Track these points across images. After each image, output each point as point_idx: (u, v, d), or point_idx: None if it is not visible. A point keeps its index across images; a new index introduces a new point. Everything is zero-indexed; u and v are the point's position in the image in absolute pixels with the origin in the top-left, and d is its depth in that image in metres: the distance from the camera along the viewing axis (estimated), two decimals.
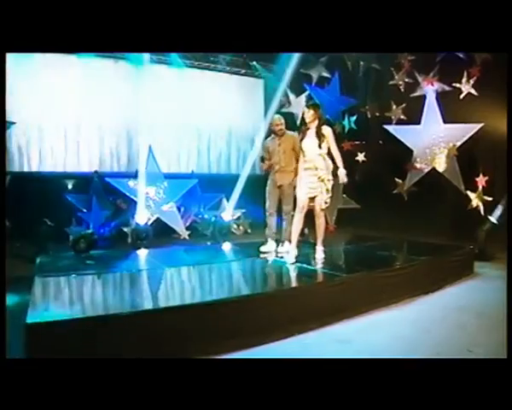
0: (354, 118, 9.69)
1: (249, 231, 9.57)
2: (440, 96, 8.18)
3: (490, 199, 7.43)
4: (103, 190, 8.25)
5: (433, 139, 8.22)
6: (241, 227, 9.58)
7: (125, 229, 8.11)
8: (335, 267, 5.10)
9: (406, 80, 8.74)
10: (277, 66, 10.12)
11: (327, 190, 5.13)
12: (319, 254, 5.36)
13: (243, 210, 9.48)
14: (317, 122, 5.16)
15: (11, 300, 3.99)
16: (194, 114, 9.72)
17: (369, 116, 9.57)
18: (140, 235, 7.85)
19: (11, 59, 7.56)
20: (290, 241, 5.34)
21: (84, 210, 8.04)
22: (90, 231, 7.07)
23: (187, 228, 8.88)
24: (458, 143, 7.95)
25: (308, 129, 5.20)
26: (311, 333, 3.78)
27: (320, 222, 5.35)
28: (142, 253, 6.39)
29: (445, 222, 7.57)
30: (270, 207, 5.80)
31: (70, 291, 4.21)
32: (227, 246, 6.86)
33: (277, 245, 5.85)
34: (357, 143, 9.67)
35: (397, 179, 8.87)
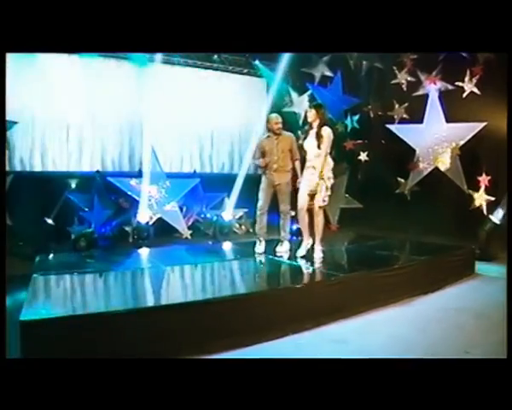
0: (357, 117, 9.66)
1: (251, 230, 9.55)
2: (443, 95, 8.14)
3: (493, 199, 7.39)
4: (105, 190, 8.26)
5: (435, 138, 8.19)
6: (243, 227, 9.57)
7: (127, 228, 8.12)
8: (333, 267, 5.08)
9: (409, 79, 8.70)
10: (280, 65, 10.15)
11: (326, 187, 5.17)
12: (317, 253, 5.34)
13: (245, 209, 9.46)
14: (318, 122, 5.21)
15: (12, 299, 4.00)
16: (196, 113, 9.71)
17: (371, 115, 9.53)
18: (141, 234, 7.86)
19: (14, 58, 7.62)
20: (302, 238, 5.51)
21: (86, 209, 8.04)
22: (90, 229, 7.08)
23: (189, 227, 8.88)
24: (461, 143, 7.92)
25: (311, 129, 5.28)
26: (306, 333, 3.78)
27: (318, 220, 5.35)
28: (142, 252, 6.41)
29: (447, 222, 7.53)
30: (263, 206, 5.76)
31: (66, 289, 4.24)
32: (227, 245, 6.85)
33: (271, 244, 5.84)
34: (359, 142, 9.65)
35: (399, 179, 8.84)
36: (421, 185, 8.58)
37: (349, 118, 9.76)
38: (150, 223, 8.27)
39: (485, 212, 7.38)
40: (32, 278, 4.19)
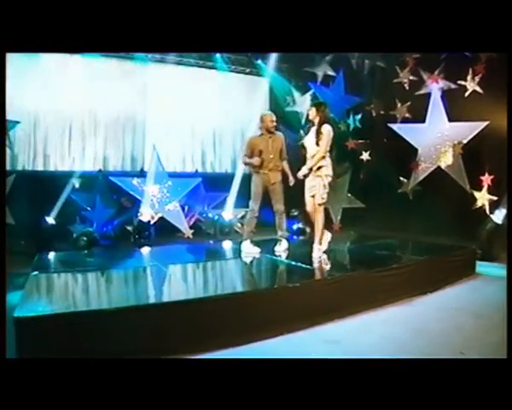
0: (359, 116, 9.66)
1: (254, 230, 9.52)
2: (445, 94, 8.10)
3: (495, 198, 7.35)
4: (107, 189, 8.29)
5: (437, 137, 8.15)
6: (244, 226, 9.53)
7: (129, 227, 8.13)
8: (331, 266, 5.08)
9: (411, 78, 8.68)
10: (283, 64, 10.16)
11: (324, 185, 5.17)
12: (316, 252, 5.32)
13: (248, 209, 9.43)
14: (318, 120, 5.22)
15: (14, 297, 4.01)
16: (198, 112, 9.73)
17: (373, 115, 9.51)
18: (142, 233, 7.88)
19: (16, 58, 7.66)
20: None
21: (88, 208, 8.06)
22: (90, 228, 7.10)
23: (191, 227, 8.89)
24: (463, 142, 7.87)
25: (312, 126, 5.31)
26: (300, 333, 3.75)
27: (318, 218, 5.34)
28: (141, 251, 6.43)
29: (449, 221, 7.47)
30: (257, 208, 5.74)
31: (61, 287, 4.26)
32: (227, 244, 6.85)
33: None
34: (361, 141, 9.63)
35: (401, 178, 8.81)
36: (424, 185, 8.54)
37: (351, 117, 9.76)
38: (152, 222, 8.28)
39: (487, 211, 7.34)
40: (30, 276, 4.21)
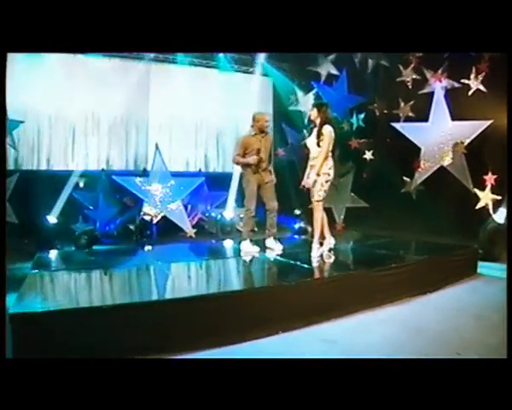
0: (362, 115, 9.61)
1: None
2: (448, 93, 8.04)
3: (499, 198, 7.30)
4: (110, 188, 8.31)
5: (441, 137, 8.07)
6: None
7: (131, 226, 8.15)
8: (328, 265, 5.10)
9: (414, 77, 8.61)
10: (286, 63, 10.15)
11: (321, 184, 5.25)
12: (315, 251, 5.36)
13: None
14: (319, 120, 5.32)
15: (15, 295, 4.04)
16: (202, 112, 9.74)
17: (377, 114, 9.46)
18: (144, 232, 7.90)
19: (21, 58, 7.71)
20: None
21: (91, 207, 8.09)
22: (91, 227, 7.13)
23: (194, 226, 8.90)
24: (467, 141, 7.81)
25: (314, 127, 5.41)
26: (296, 332, 3.74)
27: (316, 216, 5.40)
28: (142, 249, 6.45)
29: (452, 221, 7.44)
30: (253, 206, 5.75)
31: (58, 285, 4.27)
32: (228, 243, 6.86)
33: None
34: (364, 140, 9.60)
35: (405, 178, 8.77)
36: (427, 184, 8.47)
37: (355, 116, 9.71)
38: (154, 221, 8.30)
39: (491, 211, 7.29)
40: (28, 275, 4.26)
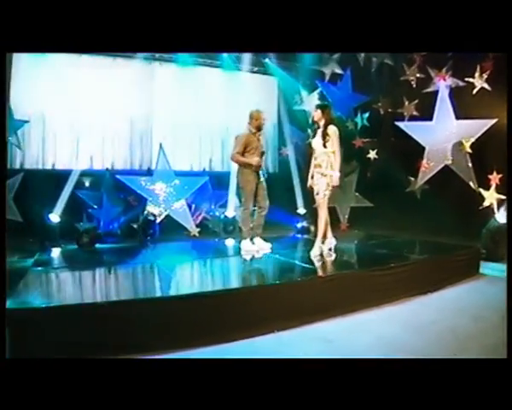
0: (367, 115, 9.59)
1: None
2: (453, 92, 7.98)
3: (504, 197, 7.24)
4: (114, 188, 8.33)
5: (445, 136, 8.01)
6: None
7: (135, 225, 8.17)
8: (328, 264, 5.13)
9: (418, 76, 8.57)
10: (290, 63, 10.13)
11: (327, 183, 5.39)
12: (316, 249, 5.43)
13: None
14: (323, 121, 5.47)
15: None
16: (206, 111, 9.74)
17: (381, 113, 9.43)
18: (147, 231, 7.91)
19: (26, 58, 7.75)
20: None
21: (95, 206, 8.11)
22: (93, 225, 7.17)
23: (198, 225, 8.90)
24: (471, 140, 7.76)
25: (318, 128, 5.57)
26: (292, 331, 3.73)
27: (321, 215, 5.49)
28: (143, 248, 6.46)
29: (457, 221, 7.36)
30: (251, 205, 5.79)
31: (54, 283, 4.35)
32: (230, 242, 6.88)
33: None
34: (368, 140, 9.57)
35: (409, 177, 8.73)
36: (431, 184, 8.43)
37: (359, 115, 9.69)
38: (158, 220, 8.32)
39: (495, 211, 7.24)
40: (27, 273, 4.33)
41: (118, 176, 8.32)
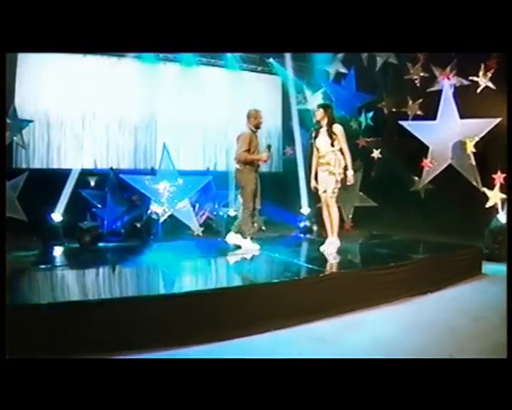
0: (371, 114, 9.56)
1: (264, 228, 9.54)
2: (457, 91, 7.93)
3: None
4: (118, 187, 8.36)
5: (449, 135, 7.96)
6: (255, 224, 9.52)
7: (138, 224, 8.19)
8: (327, 263, 5.12)
9: (422, 74, 8.53)
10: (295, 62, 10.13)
11: (336, 181, 5.46)
12: (331, 247, 5.51)
13: (258, 207, 9.42)
14: (326, 121, 5.51)
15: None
16: (209, 111, 9.75)
17: (385, 112, 9.40)
18: (151, 230, 7.94)
19: (30, 58, 7.79)
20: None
21: (99, 206, 8.15)
22: (95, 224, 7.21)
23: (201, 224, 8.91)
24: (476, 139, 7.71)
25: (321, 127, 5.59)
26: (288, 330, 3.72)
27: (332, 212, 5.56)
28: (145, 247, 6.50)
29: (461, 220, 7.33)
30: (252, 204, 5.79)
31: (50, 280, 4.37)
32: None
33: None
34: (371, 139, 9.54)
35: (413, 176, 8.70)
36: (435, 183, 8.39)
37: (363, 115, 9.67)
38: (162, 220, 8.34)
39: (500, 210, 7.20)
40: (27, 271, 4.41)
41: (122, 175, 8.37)
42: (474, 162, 7.74)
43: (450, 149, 8.02)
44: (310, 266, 4.87)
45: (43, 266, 4.72)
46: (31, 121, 8.09)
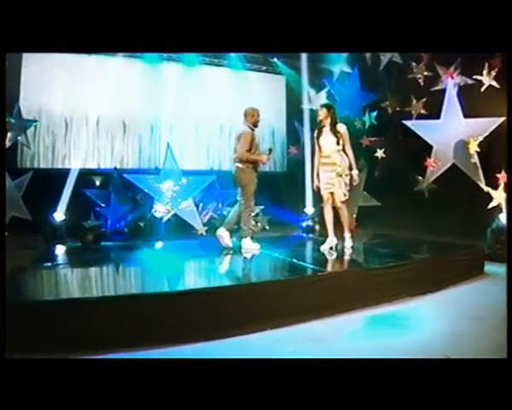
0: (375, 113, 9.53)
1: (267, 227, 9.56)
2: (461, 90, 7.88)
3: None
4: (122, 186, 8.40)
5: (453, 134, 7.91)
6: (259, 224, 9.54)
7: (142, 224, 8.23)
8: (326, 263, 5.13)
9: (426, 73, 8.48)
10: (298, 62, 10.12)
11: (345, 183, 5.49)
12: (348, 242, 5.66)
13: (262, 207, 9.45)
14: (329, 120, 5.53)
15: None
16: (214, 111, 9.76)
17: (389, 111, 9.36)
18: (154, 229, 7.97)
19: (35, 58, 7.83)
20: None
21: (103, 205, 8.18)
22: (97, 223, 7.25)
23: (205, 224, 8.93)
24: (480, 138, 7.66)
25: (323, 127, 5.60)
26: (287, 329, 3.72)
27: (343, 214, 5.63)
28: (148, 246, 6.53)
29: (464, 220, 7.28)
30: (253, 203, 5.78)
31: (48, 278, 4.42)
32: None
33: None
34: (375, 139, 9.51)
35: (417, 176, 8.66)
36: (439, 183, 8.34)
37: (367, 114, 9.64)
38: (165, 219, 8.37)
39: (503, 210, 7.16)
40: (27, 269, 4.48)
41: (125, 175, 8.40)
42: (478, 162, 7.70)
43: (454, 148, 7.98)
44: (309, 265, 4.91)
45: (43, 265, 4.78)
46: (35, 121, 8.15)
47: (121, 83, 8.83)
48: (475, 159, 7.70)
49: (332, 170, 5.47)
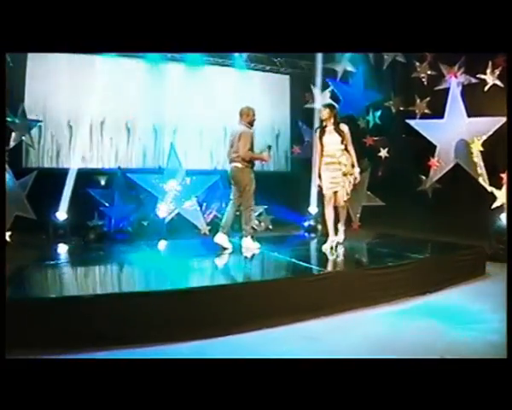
0: (379, 113, 9.50)
1: (270, 227, 9.56)
2: (464, 89, 7.86)
3: None
4: (126, 186, 8.43)
5: (457, 134, 7.90)
6: (262, 223, 9.55)
7: (145, 223, 8.27)
8: (324, 262, 5.13)
9: (429, 73, 8.46)
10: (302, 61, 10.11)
11: (349, 182, 5.52)
12: (340, 235, 5.75)
13: (265, 206, 9.45)
14: (332, 120, 5.55)
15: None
16: (217, 110, 9.76)
17: (393, 111, 9.35)
18: (157, 229, 8.00)
19: (39, 58, 7.87)
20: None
21: (107, 204, 8.21)
22: (100, 223, 7.28)
23: (209, 223, 8.94)
24: (483, 138, 7.63)
25: (326, 126, 5.61)
26: (283, 328, 3.72)
27: (343, 213, 5.79)
28: (149, 246, 6.56)
29: (468, 220, 7.24)
30: (253, 203, 5.79)
31: (46, 277, 4.45)
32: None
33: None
34: (379, 138, 9.49)
35: (420, 176, 8.64)
36: (443, 182, 8.31)
37: (371, 114, 9.62)
38: (169, 218, 8.39)
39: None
40: (28, 267, 4.51)
41: (129, 174, 8.42)
42: (481, 161, 7.67)
43: (457, 147, 7.95)
44: (308, 264, 4.88)
45: (44, 263, 4.82)
46: (40, 121, 8.18)
47: (124, 83, 8.87)
48: (479, 158, 7.67)
49: (337, 169, 5.49)
